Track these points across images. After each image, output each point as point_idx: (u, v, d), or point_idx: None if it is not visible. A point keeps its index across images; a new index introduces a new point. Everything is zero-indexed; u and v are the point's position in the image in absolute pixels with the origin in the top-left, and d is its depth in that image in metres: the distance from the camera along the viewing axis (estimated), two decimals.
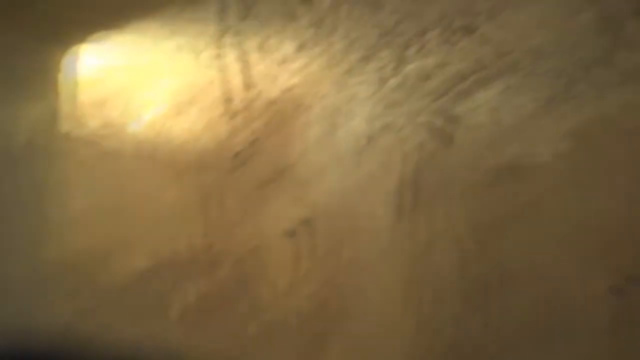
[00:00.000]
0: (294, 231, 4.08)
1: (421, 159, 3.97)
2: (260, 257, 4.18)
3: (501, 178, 3.72)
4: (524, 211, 3.61)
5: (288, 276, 4.13)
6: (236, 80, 2.49)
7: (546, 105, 3.01)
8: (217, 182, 3.85)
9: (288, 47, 1.97)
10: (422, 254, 3.97)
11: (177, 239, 3.99)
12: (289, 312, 4.14)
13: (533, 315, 3.48)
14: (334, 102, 3.03)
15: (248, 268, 4.21)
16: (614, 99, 2.98)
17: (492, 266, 3.68)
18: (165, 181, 3.77)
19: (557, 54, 2.26)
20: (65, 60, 1.94)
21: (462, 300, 3.75)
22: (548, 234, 3.50)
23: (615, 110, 3.10)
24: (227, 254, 4.19)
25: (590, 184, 3.41)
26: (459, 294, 3.78)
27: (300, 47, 1.97)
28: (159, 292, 4.25)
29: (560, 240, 3.46)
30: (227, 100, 2.90)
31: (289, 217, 4.11)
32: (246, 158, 3.64)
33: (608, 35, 2.04)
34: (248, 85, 2.60)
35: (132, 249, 4.05)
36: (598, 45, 2.13)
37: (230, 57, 2.04)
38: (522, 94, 2.80)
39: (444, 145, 3.87)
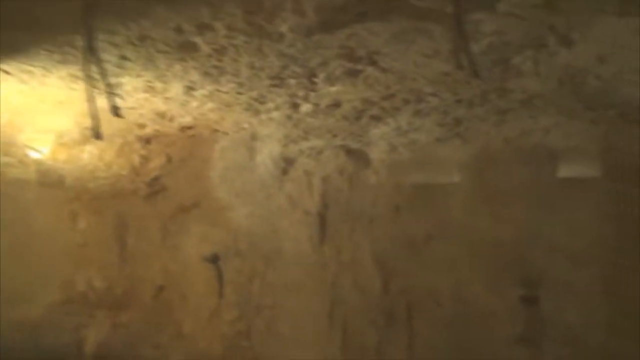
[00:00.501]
0: (217, 256, 3.99)
1: (342, 180, 4.01)
2: (182, 284, 4.04)
3: (418, 198, 3.83)
4: (440, 229, 3.74)
5: (212, 302, 4.02)
6: (146, 107, 2.45)
7: (453, 128, 3.15)
8: (134, 209, 3.71)
9: (193, 75, 1.96)
10: (346, 273, 3.99)
11: (91, 269, 3.80)
12: (214, 339, 4.02)
13: (455, 329, 3.59)
14: (250, 127, 3.03)
15: (170, 296, 4.06)
16: (513, 124, 3.16)
17: (414, 283, 3.77)
18: (76, 209, 3.59)
19: (457, 83, 2.39)
20: None
21: (386, 318, 3.81)
22: (464, 249, 3.64)
23: (516, 133, 3.30)
24: (147, 283, 4.02)
25: (498, 201, 3.59)
26: (383, 312, 3.84)
27: (206, 75, 1.97)
28: (72, 326, 4.00)
29: (474, 255, 3.61)
30: (140, 126, 2.84)
31: (211, 242, 4.01)
32: (164, 183, 3.55)
33: (499, 66, 2.19)
34: (159, 112, 2.56)
35: (42, 283, 3.81)
36: (493, 77, 2.28)
37: (133, 85, 2.00)
38: (429, 119, 2.93)
39: (362, 167, 3.94)
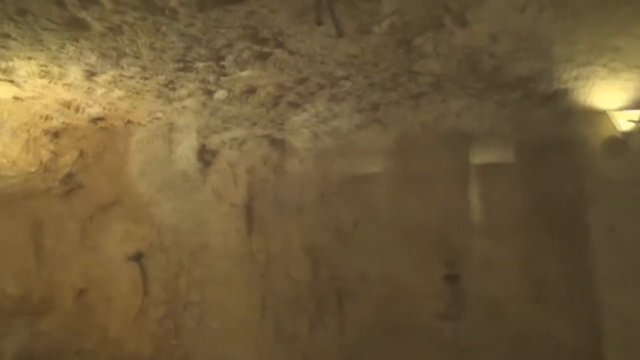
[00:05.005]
0: (140, 254, 3.87)
1: (267, 170, 4.00)
2: (105, 286, 3.89)
3: (344, 184, 3.88)
4: (367, 214, 3.81)
5: (137, 301, 3.90)
6: (48, 96, 2.32)
7: (371, 114, 3.22)
8: (48, 209, 3.52)
9: (90, 57, 1.88)
10: (275, 263, 3.99)
11: (5, 276, 3.58)
12: (141, 340, 3.90)
13: (383, 311, 3.67)
14: (165, 116, 2.95)
15: (92, 298, 3.90)
16: (428, 108, 3.27)
17: (343, 269, 3.83)
18: None
19: (366, 65, 2.44)
20: None
21: (317, 305, 3.84)
22: (389, 234, 3.73)
23: (431, 117, 3.41)
24: (67, 287, 3.84)
25: (421, 185, 3.69)
26: (314, 299, 3.87)
27: (104, 57, 1.89)
28: None
29: (400, 240, 3.71)
30: (45, 118, 2.69)
31: (133, 239, 3.87)
32: (79, 180, 3.39)
33: (403, 49, 2.25)
34: (63, 101, 2.43)
35: None
36: (398, 59, 2.34)
37: (27, 69, 1.88)
38: (346, 104, 2.97)
39: (287, 156, 3.94)
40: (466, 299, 3.62)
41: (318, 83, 2.68)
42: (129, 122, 2.98)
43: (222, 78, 2.43)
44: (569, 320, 3.03)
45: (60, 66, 2.00)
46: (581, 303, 2.92)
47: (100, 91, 2.39)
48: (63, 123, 2.83)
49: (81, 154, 3.17)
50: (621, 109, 2.60)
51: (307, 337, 3.79)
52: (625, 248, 2.48)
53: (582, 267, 2.81)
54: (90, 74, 2.14)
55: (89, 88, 2.32)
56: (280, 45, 2.17)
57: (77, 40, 1.76)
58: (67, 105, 2.55)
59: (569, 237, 2.98)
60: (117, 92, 2.42)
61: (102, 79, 2.21)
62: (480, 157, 3.73)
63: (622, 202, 2.52)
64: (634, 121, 2.57)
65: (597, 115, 2.66)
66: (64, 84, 2.22)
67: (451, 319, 3.56)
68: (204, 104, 2.77)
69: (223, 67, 2.29)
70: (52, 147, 3.00)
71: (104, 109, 2.68)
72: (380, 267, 3.79)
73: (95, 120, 2.86)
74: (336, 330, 3.74)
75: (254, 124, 3.23)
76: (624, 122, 2.61)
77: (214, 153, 3.68)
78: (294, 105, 3.00)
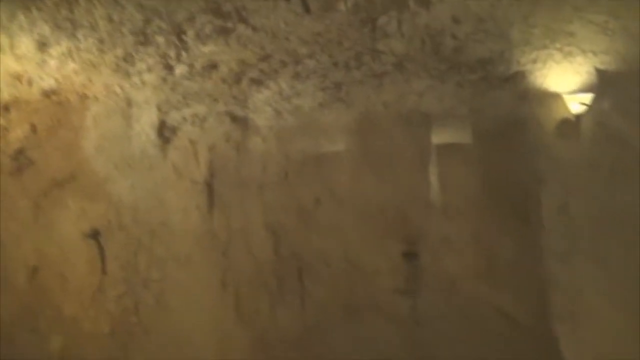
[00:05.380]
0: (97, 231, 3.77)
1: (228, 147, 3.95)
2: (59, 264, 3.79)
3: (306, 163, 3.90)
4: (328, 193, 3.85)
5: (95, 280, 3.82)
6: None
7: (334, 93, 3.22)
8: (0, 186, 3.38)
9: (42, 28, 1.79)
10: (236, 241, 3.98)
11: None
12: (99, 318, 3.84)
13: (343, 287, 3.74)
14: (123, 91, 2.86)
15: (46, 277, 3.80)
16: (390, 87, 3.30)
17: (304, 246, 3.86)
18: None
19: (330, 43, 2.43)
20: None
21: (278, 282, 3.87)
22: (350, 213, 3.78)
23: (393, 97, 3.45)
24: (20, 265, 3.72)
25: (380, 164, 3.75)
26: (275, 276, 3.89)
27: (58, 28, 1.80)
28: None
29: (360, 217, 3.76)
30: None
31: (90, 217, 3.77)
32: (30, 157, 3.26)
33: (367, 27, 2.25)
34: (13, 73, 2.31)
35: None
36: (362, 38, 2.34)
37: None
38: (310, 83, 2.96)
39: (249, 134, 3.91)
40: (424, 275, 3.74)
41: (281, 60, 2.66)
42: (84, 96, 2.87)
43: (183, 53, 2.38)
44: (522, 296, 3.17)
45: (10, 37, 1.91)
46: (534, 280, 3.05)
47: (53, 63, 2.29)
48: (13, 96, 2.70)
49: (33, 128, 3.03)
50: (574, 92, 2.70)
51: (267, 314, 3.83)
52: (574, 225, 2.60)
53: (535, 245, 2.94)
54: (43, 45, 2.05)
55: (41, 60, 2.22)
56: (243, 20, 2.14)
57: (29, 10, 1.68)
58: (18, 77, 2.44)
59: (523, 217, 3.10)
60: (72, 65, 2.33)
61: (55, 50, 2.12)
62: (439, 137, 3.81)
63: (572, 181, 2.64)
64: (585, 104, 2.68)
65: (552, 98, 2.76)
66: (15, 56, 2.12)
67: (409, 295, 3.67)
68: (164, 79, 2.70)
69: (184, 41, 2.23)
70: (1, 121, 2.86)
71: (58, 82, 2.57)
72: (341, 245, 3.84)
73: (48, 93, 2.74)
74: (297, 307, 3.79)
75: (216, 100, 3.18)
76: (576, 105, 2.71)
77: (174, 129, 3.60)
78: (257, 83, 2.97)
